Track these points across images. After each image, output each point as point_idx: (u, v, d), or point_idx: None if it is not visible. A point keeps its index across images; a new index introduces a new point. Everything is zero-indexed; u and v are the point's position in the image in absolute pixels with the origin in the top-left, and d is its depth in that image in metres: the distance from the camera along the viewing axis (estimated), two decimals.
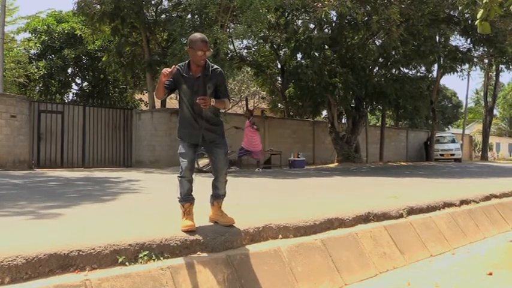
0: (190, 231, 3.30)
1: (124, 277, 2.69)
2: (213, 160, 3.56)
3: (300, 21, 18.36)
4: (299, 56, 19.10)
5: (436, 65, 22.57)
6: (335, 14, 17.01)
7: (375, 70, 20.55)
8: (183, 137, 3.52)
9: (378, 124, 31.20)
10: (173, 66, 3.36)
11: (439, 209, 5.66)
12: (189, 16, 15.15)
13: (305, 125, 22.17)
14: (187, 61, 3.49)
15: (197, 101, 3.29)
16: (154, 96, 3.67)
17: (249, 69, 25.47)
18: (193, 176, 3.50)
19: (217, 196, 3.61)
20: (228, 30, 15.34)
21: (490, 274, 3.84)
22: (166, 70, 3.26)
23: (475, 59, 20.80)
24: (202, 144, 3.54)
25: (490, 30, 4.71)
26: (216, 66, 3.54)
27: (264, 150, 17.69)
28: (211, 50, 3.53)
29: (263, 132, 19.24)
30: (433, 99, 24.90)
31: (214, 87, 3.48)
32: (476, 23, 4.68)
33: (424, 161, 26.30)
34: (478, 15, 4.55)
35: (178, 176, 3.48)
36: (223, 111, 3.85)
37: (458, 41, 39.93)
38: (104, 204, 5.10)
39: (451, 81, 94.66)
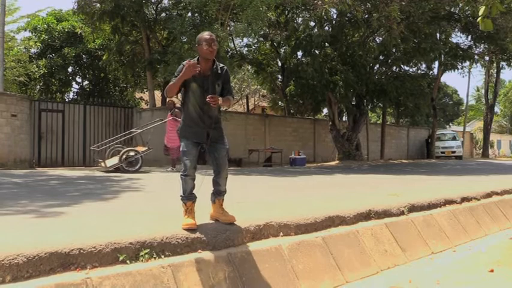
0: (192, 230, 3.30)
1: (125, 275, 2.69)
2: (216, 157, 3.55)
3: (300, 19, 18.34)
4: (299, 54, 19.08)
5: (436, 63, 22.53)
6: (335, 11, 17.00)
7: (375, 68, 20.53)
8: (188, 136, 3.50)
9: (378, 122, 31.19)
10: (194, 63, 3.34)
11: (440, 207, 5.65)
12: (189, 14, 15.13)
13: (306, 123, 22.17)
14: (195, 59, 3.51)
15: (207, 99, 3.30)
16: (166, 94, 3.65)
17: (249, 67, 25.46)
18: (196, 174, 3.51)
19: (219, 193, 3.61)
20: (228, 28, 15.33)
21: (491, 271, 3.84)
22: (192, 63, 3.29)
23: (476, 56, 20.76)
24: (206, 142, 3.54)
25: (492, 27, 4.70)
26: (222, 65, 3.59)
27: (265, 148, 17.73)
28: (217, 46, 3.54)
29: (263, 130, 19.26)
30: (434, 97, 24.88)
31: (222, 85, 3.52)
32: (478, 20, 4.66)
33: (425, 159, 26.29)
34: (480, 12, 4.54)
35: (181, 175, 3.47)
36: (225, 109, 3.86)
37: (459, 38, 39.95)
38: (105, 202, 5.10)
39: (451, 79, 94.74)
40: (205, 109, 3.43)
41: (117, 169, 10.40)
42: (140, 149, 11.05)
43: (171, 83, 3.47)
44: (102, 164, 10.85)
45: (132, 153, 10.59)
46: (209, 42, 3.39)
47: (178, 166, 11.56)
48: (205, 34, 3.46)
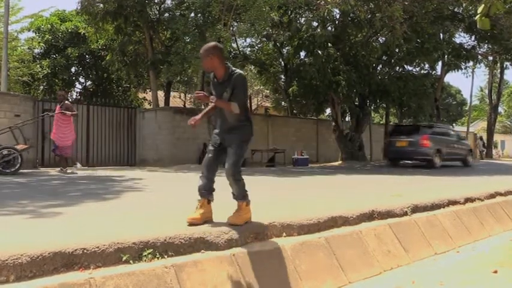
0: (194, 225, 3.40)
1: (128, 275, 2.70)
2: (225, 162, 3.63)
3: (303, 19, 18.31)
4: (302, 54, 19.07)
5: (440, 63, 22.48)
6: (338, 11, 16.97)
7: (378, 68, 20.48)
8: (211, 138, 3.78)
9: (381, 122, 31.11)
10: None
11: (444, 207, 5.63)
12: (192, 15, 15.15)
13: (308, 123, 22.14)
14: None
15: (194, 95, 3.43)
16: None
17: (252, 67, 25.45)
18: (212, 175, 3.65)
19: (233, 195, 3.67)
20: (231, 28, 15.35)
21: (495, 272, 3.82)
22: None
23: (480, 56, 20.71)
24: (220, 146, 3.69)
25: (489, 26, 4.68)
26: (236, 71, 3.60)
27: (267, 148, 17.71)
28: (202, 55, 3.58)
29: (266, 130, 19.25)
30: (437, 97, 24.79)
31: (232, 91, 3.55)
32: (476, 18, 4.65)
33: None
34: (479, 10, 4.52)
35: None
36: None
37: (462, 38, 39.81)
38: (107, 202, 5.11)
39: (455, 79, 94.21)
40: (221, 115, 3.65)
41: None
42: (21, 147, 9.63)
43: None
44: None
45: (5, 152, 9.10)
46: (201, 57, 3.60)
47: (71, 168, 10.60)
48: (201, 49, 3.61)
